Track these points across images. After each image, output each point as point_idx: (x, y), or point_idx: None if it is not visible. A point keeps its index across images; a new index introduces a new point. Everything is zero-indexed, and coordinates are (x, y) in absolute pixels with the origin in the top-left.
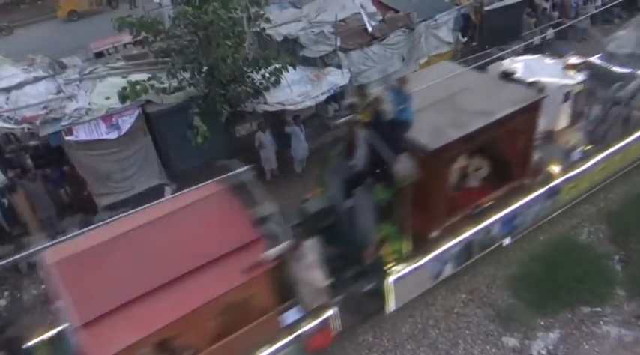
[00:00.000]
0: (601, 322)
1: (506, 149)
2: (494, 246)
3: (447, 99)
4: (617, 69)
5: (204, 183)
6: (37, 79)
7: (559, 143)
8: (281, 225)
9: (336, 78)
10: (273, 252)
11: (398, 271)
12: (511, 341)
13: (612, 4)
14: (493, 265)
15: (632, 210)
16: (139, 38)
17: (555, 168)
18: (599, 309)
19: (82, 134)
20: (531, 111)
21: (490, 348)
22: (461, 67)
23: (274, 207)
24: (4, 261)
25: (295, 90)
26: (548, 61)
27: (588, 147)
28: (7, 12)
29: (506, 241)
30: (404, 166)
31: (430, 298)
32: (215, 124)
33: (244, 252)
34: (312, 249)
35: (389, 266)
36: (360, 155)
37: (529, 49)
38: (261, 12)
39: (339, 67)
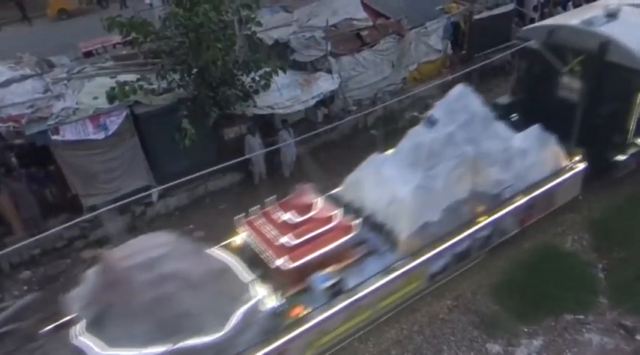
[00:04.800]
0: (584, 330)
1: None
2: None
3: None
4: None
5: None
6: (23, 78)
7: None
8: None
9: (326, 83)
10: None
11: None
12: (495, 348)
13: None
14: (478, 272)
15: (615, 219)
16: (128, 38)
17: None
18: (582, 317)
19: (68, 134)
20: None
21: None
22: None
23: None
24: None
25: (285, 94)
26: None
27: None
28: None
29: None
30: None
31: (416, 304)
32: (203, 127)
33: None
34: None
35: None
36: None
37: None
38: (253, 15)
39: (329, 71)
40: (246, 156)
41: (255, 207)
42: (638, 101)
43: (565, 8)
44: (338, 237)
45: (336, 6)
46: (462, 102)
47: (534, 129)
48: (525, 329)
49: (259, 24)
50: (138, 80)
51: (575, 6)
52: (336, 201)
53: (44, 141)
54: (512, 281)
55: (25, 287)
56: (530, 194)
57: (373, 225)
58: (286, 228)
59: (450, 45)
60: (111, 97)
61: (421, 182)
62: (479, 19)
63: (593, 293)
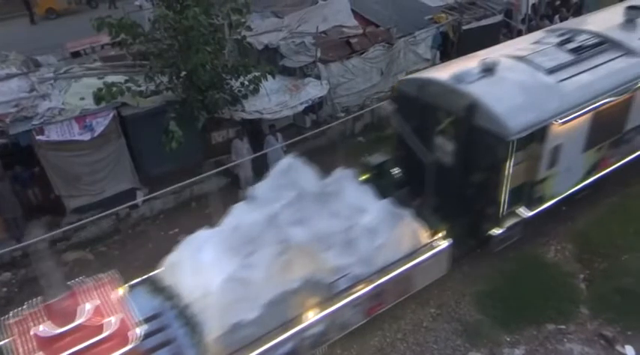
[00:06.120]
0: (565, 339)
1: None
2: None
3: None
4: None
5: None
6: (9, 76)
7: None
8: None
9: (314, 89)
10: None
11: None
12: None
13: None
14: (462, 280)
15: (597, 230)
16: (117, 39)
17: None
18: (563, 327)
19: (53, 134)
20: None
21: None
22: None
23: None
24: None
25: (274, 99)
26: None
27: None
28: None
29: None
30: None
31: (399, 312)
32: (191, 130)
33: None
34: None
35: None
36: None
37: None
38: (243, 20)
39: (318, 78)
40: (235, 162)
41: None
42: (507, 171)
43: (551, 21)
44: (113, 348)
45: (326, 13)
46: (290, 177)
47: (386, 204)
48: (508, 338)
49: (249, 28)
50: (126, 81)
51: (562, 19)
52: (154, 285)
53: (28, 141)
54: (496, 291)
55: (5, 289)
56: (378, 280)
57: (186, 320)
58: (41, 342)
59: (438, 54)
60: (98, 98)
61: (234, 273)
62: (467, 29)
63: (574, 304)
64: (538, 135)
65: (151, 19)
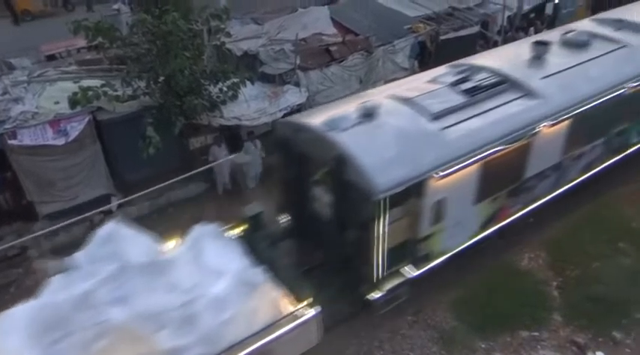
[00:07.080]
0: (538, 346)
1: None
2: None
3: None
4: None
5: None
6: None
7: None
8: None
9: (293, 96)
10: None
11: None
12: None
13: None
14: (438, 288)
15: (570, 238)
16: (94, 43)
17: None
18: (536, 334)
19: (26, 138)
20: None
21: None
22: None
23: None
24: None
25: (252, 105)
26: None
27: None
28: None
29: None
30: None
31: (377, 319)
32: (168, 135)
33: None
34: None
35: None
36: None
37: None
38: (222, 26)
39: (297, 85)
40: (208, 165)
41: None
42: (379, 230)
43: (526, 33)
44: None
45: (305, 20)
46: (111, 247)
47: (240, 269)
48: (482, 345)
49: (228, 35)
50: (102, 86)
51: (537, 31)
52: None
53: (0, 145)
54: (471, 298)
55: None
56: None
57: None
58: None
59: (416, 64)
60: (73, 102)
61: None
62: (445, 39)
63: (547, 311)
64: (415, 190)
65: (129, 22)
